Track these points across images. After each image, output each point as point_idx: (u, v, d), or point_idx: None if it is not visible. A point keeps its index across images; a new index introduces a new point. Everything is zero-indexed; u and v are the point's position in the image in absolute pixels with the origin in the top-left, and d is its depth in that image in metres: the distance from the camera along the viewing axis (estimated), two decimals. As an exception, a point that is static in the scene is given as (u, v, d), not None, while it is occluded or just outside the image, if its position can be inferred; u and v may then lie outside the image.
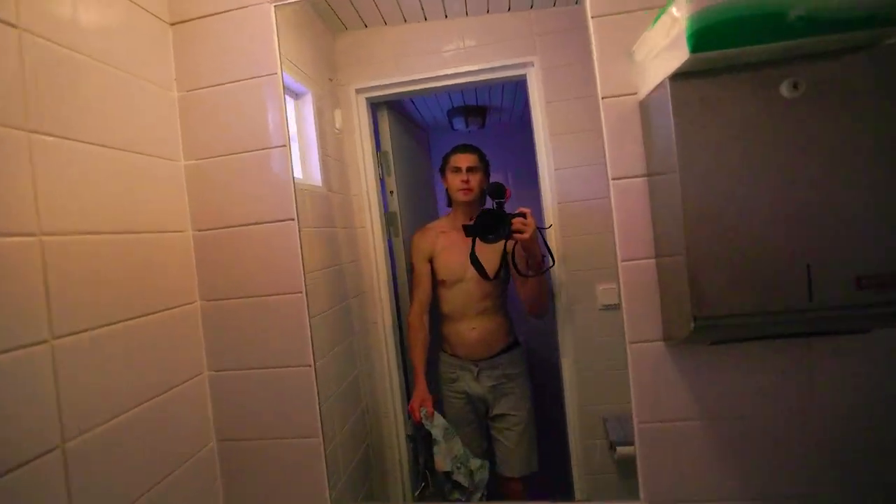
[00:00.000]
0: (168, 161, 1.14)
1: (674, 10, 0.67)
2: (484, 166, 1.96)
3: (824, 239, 0.71)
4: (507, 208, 1.56)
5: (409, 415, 1.83)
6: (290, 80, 1.55)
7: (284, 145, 1.10)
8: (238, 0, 1.16)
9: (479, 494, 1.70)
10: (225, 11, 1.17)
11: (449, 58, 2.01)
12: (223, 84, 1.16)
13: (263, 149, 1.15)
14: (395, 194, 2.28)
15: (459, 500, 1.67)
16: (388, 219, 2.25)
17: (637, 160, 0.86)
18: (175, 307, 1.08)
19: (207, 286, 1.16)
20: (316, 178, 1.70)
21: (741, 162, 0.71)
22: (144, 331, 0.99)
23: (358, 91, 2.04)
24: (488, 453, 1.93)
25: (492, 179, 2.05)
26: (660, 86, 0.74)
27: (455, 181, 1.93)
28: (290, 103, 1.66)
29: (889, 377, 0.84)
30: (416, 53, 2.01)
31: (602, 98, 0.87)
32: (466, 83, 2.06)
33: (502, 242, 1.55)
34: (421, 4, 1.87)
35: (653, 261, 0.87)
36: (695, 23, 0.64)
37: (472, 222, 1.48)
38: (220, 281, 1.15)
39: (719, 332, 0.76)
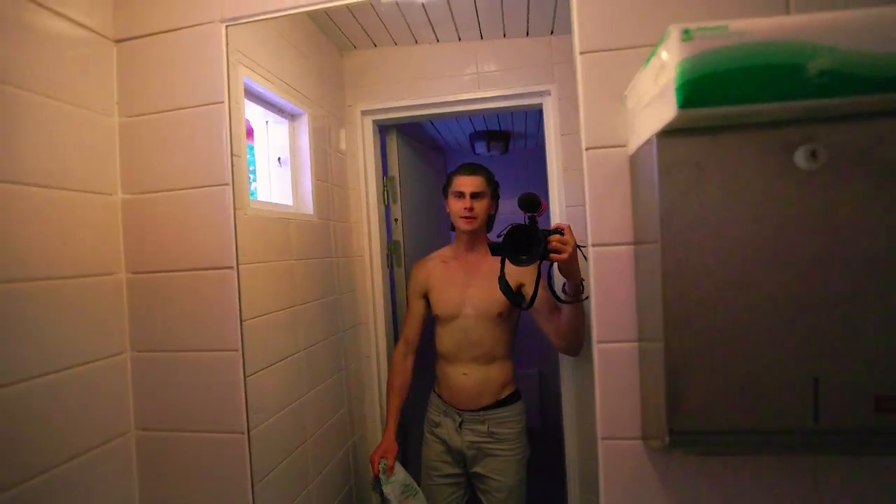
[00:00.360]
0: (102, 196, 1.01)
1: (663, 52, 0.54)
2: (492, 190, 1.75)
3: (838, 347, 0.56)
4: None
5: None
6: (283, 101, 1.48)
7: (227, 184, 0.99)
8: (188, 17, 1.04)
9: None
10: (175, 30, 1.04)
11: (463, 83, 1.91)
12: (169, 111, 1.03)
13: (203, 186, 1.02)
14: (399, 222, 2.19)
15: None
16: (391, 248, 2.16)
17: (623, 224, 0.72)
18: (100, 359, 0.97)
19: (138, 336, 1.04)
20: (307, 205, 1.62)
21: (740, 245, 0.56)
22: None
23: (364, 113, 1.96)
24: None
25: (502, 207, 1.90)
26: (647, 142, 0.61)
27: (457, 207, 1.71)
28: (284, 125, 1.60)
29: None
30: (426, 77, 1.92)
31: (585, 149, 0.73)
32: (479, 110, 1.95)
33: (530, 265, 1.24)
34: (432, 26, 1.79)
35: (634, 345, 0.72)
36: (687, 72, 0.51)
37: (499, 240, 1.23)
38: (150, 333, 1.02)
39: (701, 448, 0.61)
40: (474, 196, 1.69)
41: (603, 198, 0.72)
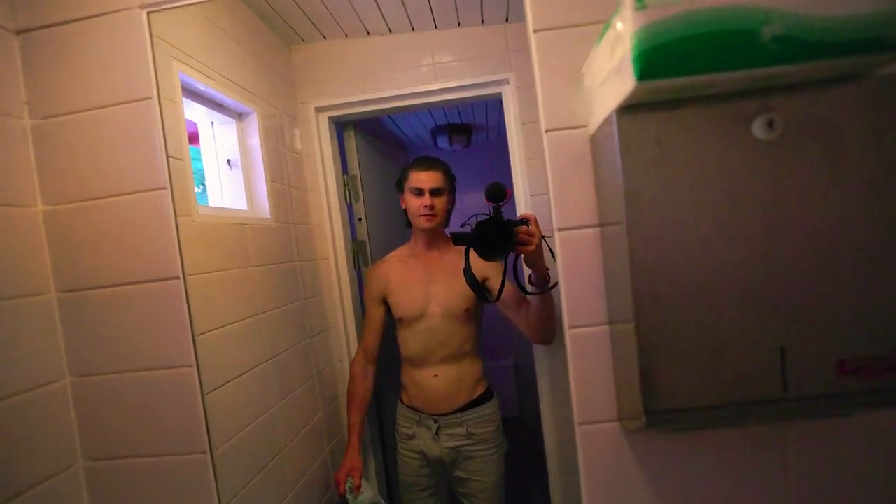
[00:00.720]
0: (17, 209, 0.90)
1: (618, 23, 0.52)
2: (450, 184, 1.66)
3: (802, 316, 0.56)
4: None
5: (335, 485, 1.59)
6: (228, 99, 1.41)
7: (163, 188, 0.90)
8: (102, 2, 0.92)
9: None
10: (88, 17, 0.91)
11: (419, 75, 1.87)
12: (89, 110, 0.92)
13: (137, 192, 0.92)
14: (363, 221, 2.14)
15: None
16: (356, 248, 2.11)
17: (588, 206, 0.70)
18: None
19: (76, 359, 0.94)
20: (263, 209, 1.55)
21: (704, 219, 0.55)
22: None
23: (318, 110, 1.90)
24: None
25: (466, 202, 1.84)
26: (607, 120, 0.59)
27: (416, 205, 1.61)
28: (232, 125, 1.52)
29: (873, 464, 0.68)
30: (381, 70, 1.87)
31: (545, 131, 0.71)
32: (437, 102, 1.92)
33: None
34: (383, 15, 1.74)
35: (606, 328, 0.71)
36: (643, 41, 0.49)
37: (463, 229, 1.17)
38: (90, 355, 0.93)
39: (678, 425, 0.60)
40: (434, 192, 1.60)
41: (566, 181, 0.70)
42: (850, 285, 0.55)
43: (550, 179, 0.71)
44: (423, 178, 1.60)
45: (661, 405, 0.57)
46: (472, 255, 1.14)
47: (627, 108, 0.55)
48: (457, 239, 1.18)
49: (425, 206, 1.58)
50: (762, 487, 0.70)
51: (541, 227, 1.17)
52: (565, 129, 0.70)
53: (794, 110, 0.53)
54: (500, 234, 1.11)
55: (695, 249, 0.56)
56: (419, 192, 1.59)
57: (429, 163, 1.64)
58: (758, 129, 0.53)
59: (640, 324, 0.56)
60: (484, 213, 1.16)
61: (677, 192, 0.55)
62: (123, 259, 0.90)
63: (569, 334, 0.71)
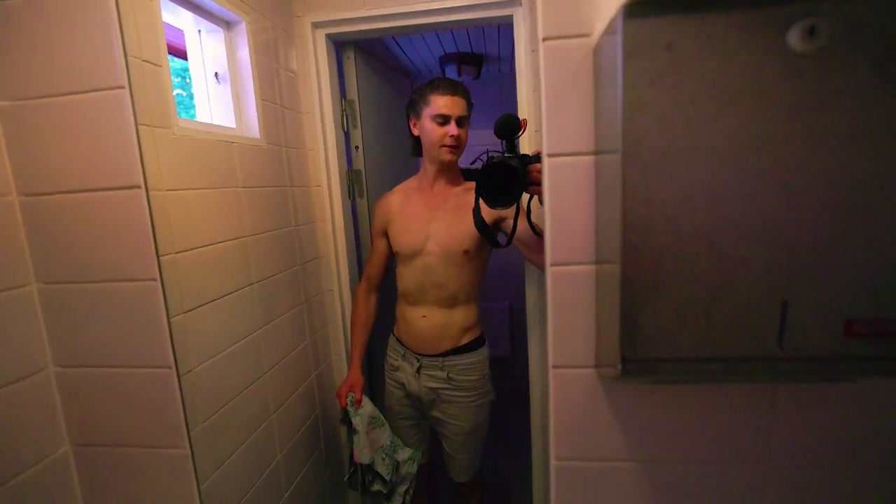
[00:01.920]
0: None
1: None
2: (470, 115, 1.51)
3: (813, 268, 0.49)
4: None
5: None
6: (213, 3, 1.29)
7: (121, 87, 0.80)
8: None
9: (404, 487, 1.55)
10: None
11: (426, -8, 1.71)
12: (53, 97, 0.82)
13: (90, 91, 0.83)
14: (360, 150, 2.04)
15: (381, 493, 1.54)
16: (351, 177, 2.03)
17: (584, 130, 0.62)
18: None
19: (42, 268, 0.90)
20: (252, 128, 1.47)
21: (714, 147, 0.47)
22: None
23: (315, 26, 1.76)
24: (432, 448, 1.76)
25: (472, 139, 1.69)
26: (612, 22, 0.50)
27: (438, 133, 1.44)
28: (220, 34, 1.41)
29: (867, 431, 0.65)
30: (385, -16, 1.71)
31: (542, 39, 0.60)
32: (445, 23, 1.77)
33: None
34: (388, -79, 1.56)
35: (592, 267, 0.65)
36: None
37: (473, 166, 1.06)
38: (54, 263, 0.89)
39: (657, 377, 0.56)
40: (460, 122, 1.45)
41: (562, 100, 0.62)
42: (873, 239, 0.48)
43: (544, 98, 0.62)
44: (450, 105, 1.44)
45: (642, 353, 0.52)
46: None
47: (636, 7, 0.45)
48: (467, 175, 1.07)
49: (451, 136, 1.44)
50: (742, 447, 0.67)
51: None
52: (566, 37, 0.61)
53: (843, 15, 0.43)
54: (507, 179, 1.00)
55: (699, 178, 0.48)
56: (444, 120, 1.44)
57: (454, 86, 1.46)
58: (794, 37, 0.44)
59: (626, 261, 0.50)
60: (496, 150, 1.06)
61: (686, 112, 0.47)
62: (81, 165, 0.84)
63: (550, 272, 0.66)
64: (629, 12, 0.46)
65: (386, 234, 1.63)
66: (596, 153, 0.62)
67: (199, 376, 1.11)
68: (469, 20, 1.75)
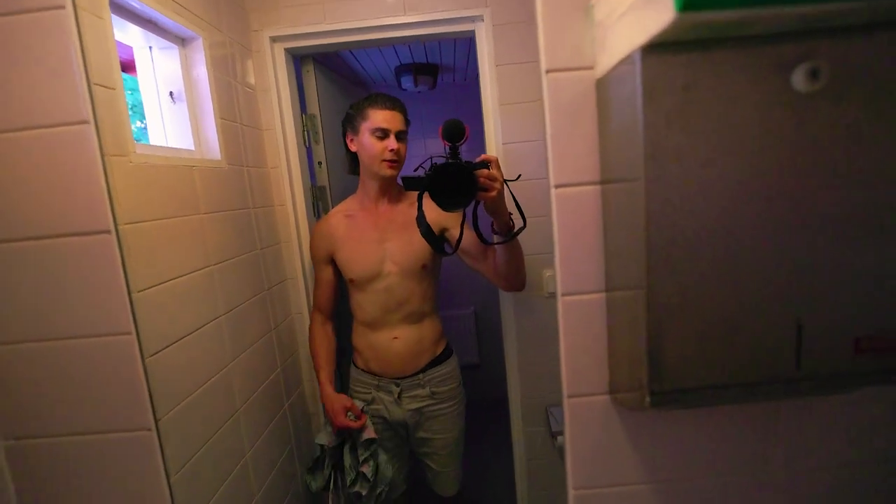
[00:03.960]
0: None
1: (652, -58, 0.43)
2: (407, 130, 1.48)
3: (823, 289, 0.52)
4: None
5: (329, 425, 1.52)
6: (167, 20, 1.21)
7: (85, 122, 0.73)
8: None
9: (380, 489, 1.50)
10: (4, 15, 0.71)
11: (386, 6, 1.69)
12: (10, 132, 0.73)
13: (52, 126, 0.75)
14: (323, 165, 1.99)
15: (359, 494, 1.48)
16: (316, 193, 1.97)
17: (589, 161, 0.63)
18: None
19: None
20: (212, 149, 1.39)
21: (729, 179, 0.49)
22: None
23: (274, 40, 1.70)
24: (412, 473, 1.71)
25: (430, 147, 1.68)
26: (625, 60, 0.50)
27: (378, 148, 1.40)
28: (174, 52, 1.33)
29: (872, 435, 0.70)
30: (345, -2, 1.68)
31: (546, 72, 0.60)
32: (405, 37, 1.76)
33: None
34: (347, -65, 1.53)
35: (602, 295, 0.66)
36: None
37: (416, 174, 1.02)
38: (9, 319, 0.79)
39: (680, 405, 0.57)
40: (399, 136, 1.42)
41: (566, 130, 0.62)
42: (876, 261, 0.51)
43: (549, 130, 0.62)
44: (389, 119, 1.41)
45: (668, 385, 0.53)
46: (427, 203, 1.03)
47: (653, 48, 0.46)
48: (409, 183, 1.06)
49: (391, 151, 1.40)
50: (753, 460, 0.70)
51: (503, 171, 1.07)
52: (569, 69, 0.61)
53: (842, 57, 0.46)
54: (460, 179, 0.99)
55: (716, 212, 0.50)
56: (384, 134, 1.41)
57: (392, 101, 1.44)
58: (799, 78, 0.46)
59: (651, 293, 0.51)
60: (440, 156, 1.04)
61: (702, 146, 0.48)
62: (42, 208, 0.75)
63: (562, 302, 0.66)
64: (648, 50, 0.46)
65: (332, 262, 1.54)
66: (602, 182, 0.63)
67: (172, 423, 1.02)
68: (430, 34, 1.75)
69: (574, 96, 0.61)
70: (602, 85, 0.59)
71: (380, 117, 1.40)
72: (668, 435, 0.70)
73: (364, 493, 1.47)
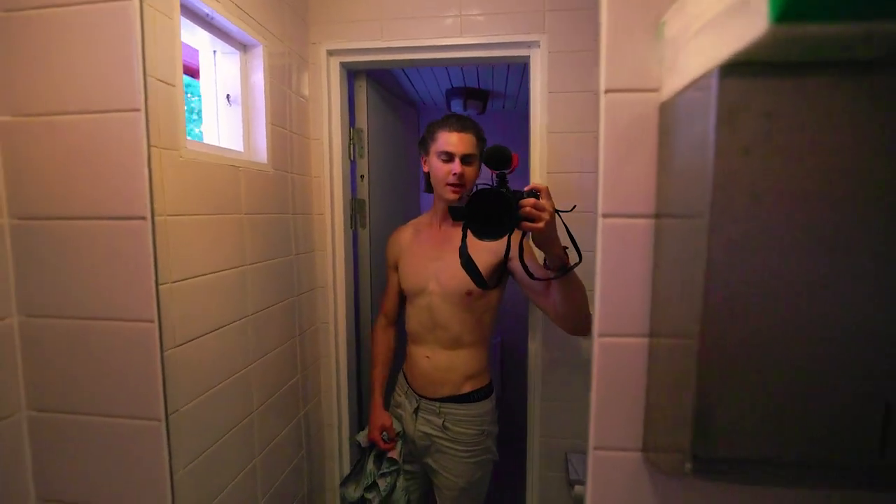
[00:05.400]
0: None
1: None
2: (481, 151, 1.44)
3: None
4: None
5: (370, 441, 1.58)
6: (232, 26, 1.25)
7: (137, 109, 0.74)
8: None
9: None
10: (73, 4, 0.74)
11: (443, 27, 1.70)
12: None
13: (103, 111, 0.76)
14: (365, 179, 2.00)
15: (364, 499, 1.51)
16: (355, 206, 1.97)
17: (645, 191, 0.58)
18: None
19: (23, 296, 0.81)
20: (260, 153, 1.41)
21: (811, 225, 0.42)
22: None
23: (331, 53, 1.73)
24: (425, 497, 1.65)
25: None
26: (699, 81, 0.45)
27: (443, 171, 1.39)
28: (236, 57, 1.37)
29: None
30: (403, 17, 1.70)
31: (605, 91, 0.56)
32: (460, 59, 1.76)
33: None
34: (413, -43, 1.56)
35: (645, 340, 0.59)
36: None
37: (460, 204, 1.02)
38: (38, 294, 0.80)
39: (726, 478, 0.49)
40: (465, 160, 1.39)
41: (622, 156, 0.57)
42: None
43: (603, 153, 0.58)
44: (455, 142, 1.40)
45: (714, 452, 0.46)
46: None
47: (734, 67, 0.41)
48: (453, 213, 1.03)
49: (454, 175, 1.38)
50: None
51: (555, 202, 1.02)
52: (631, 90, 0.57)
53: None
54: (498, 208, 0.94)
55: (793, 262, 0.43)
56: (448, 158, 1.40)
57: (461, 123, 1.42)
58: (906, 114, 0.40)
59: (705, 344, 0.45)
60: (486, 184, 1.00)
61: (783, 185, 0.42)
62: (86, 189, 0.77)
63: (598, 343, 0.60)
64: (728, 70, 0.41)
65: (397, 269, 1.60)
66: (657, 216, 0.57)
67: (185, 417, 1.01)
68: (486, 57, 1.74)
69: (634, 119, 0.56)
70: (667, 109, 0.54)
71: (445, 139, 1.41)
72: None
73: (374, 503, 1.49)
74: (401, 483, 1.51)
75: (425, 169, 1.51)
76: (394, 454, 1.51)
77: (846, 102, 0.41)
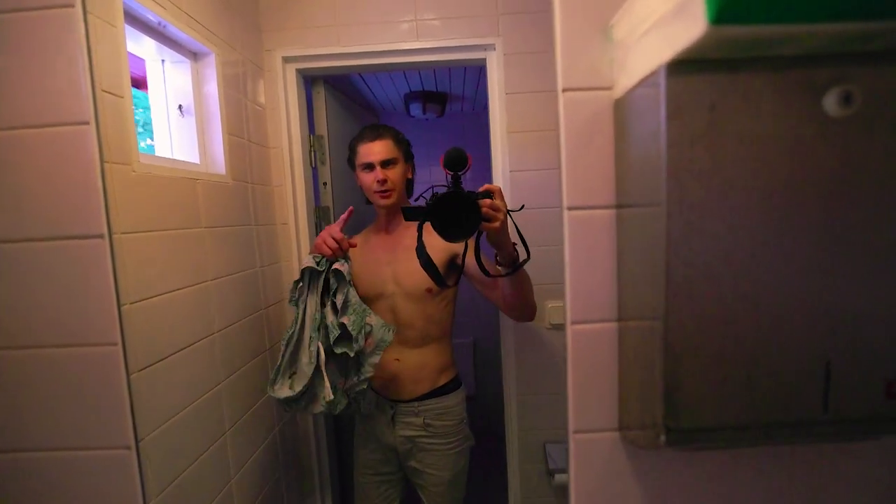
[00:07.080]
0: None
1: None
2: (404, 151, 1.48)
3: (854, 326, 0.48)
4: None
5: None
6: (182, 34, 1.22)
7: (86, 123, 0.69)
8: None
9: (375, 359, 1.29)
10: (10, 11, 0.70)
11: (399, 32, 1.71)
12: (8, 129, 0.71)
13: (51, 126, 0.72)
14: (328, 186, 1.98)
15: (346, 355, 1.28)
16: (319, 214, 1.95)
17: (605, 183, 0.61)
18: None
19: None
20: (217, 164, 1.38)
21: (754, 205, 0.46)
22: None
23: (286, 60, 1.71)
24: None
25: (436, 175, 1.68)
26: (648, 79, 0.48)
27: (368, 181, 1.44)
28: (186, 66, 1.33)
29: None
30: (358, 22, 1.70)
31: (562, 90, 0.59)
32: (417, 63, 1.77)
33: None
34: (364, -38, 1.56)
35: (614, 324, 0.63)
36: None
37: (415, 203, 1.02)
38: None
39: (697, 445, 0.53)
40: (385, 164, 1.43)
41: (581, 151, 0.60)
42: None
43: (564, 151, 0.60)
44: (372, 151, 1.44)
45: (685, 423, 0.49)
46: (431, 232, 1.00)
47: (678, 66, 0.45)
48: (408, 214, 1.05)
49: (378, 182, 1.42)
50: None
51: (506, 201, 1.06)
52: (586, 89, 0.60)
53: (876, 84, 0.44)
54: (462, 209, 0.97)
55: (740, 240, 0.47)
56: (369, 167, 1.44)
57: (375, 132, 1.46)
58: (831, 103, 0.44)
59: (669, 324, 0.48)
60: (441, 185, 1.03)
61: (728, 170, 0.46)
62: (36, 208, 0.73)
63: (571, 330, 0.62)
64: (674, 68, 0.44)
65: None
66: (618, 207, 0.60)
67: (154, 444, 0.97)
68: (442, 61, 1.77)
69: (590, 116, 0.59)
70: (620, 105, 0.57)
71: (364, 152, 1.45)
72: (680, 477, 0.65)
73: (351, 354, 1.27)
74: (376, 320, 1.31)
75: (359, 184, 1.51)
76: (340, 265, 1.31)
77: (778, 93, 0.45)
